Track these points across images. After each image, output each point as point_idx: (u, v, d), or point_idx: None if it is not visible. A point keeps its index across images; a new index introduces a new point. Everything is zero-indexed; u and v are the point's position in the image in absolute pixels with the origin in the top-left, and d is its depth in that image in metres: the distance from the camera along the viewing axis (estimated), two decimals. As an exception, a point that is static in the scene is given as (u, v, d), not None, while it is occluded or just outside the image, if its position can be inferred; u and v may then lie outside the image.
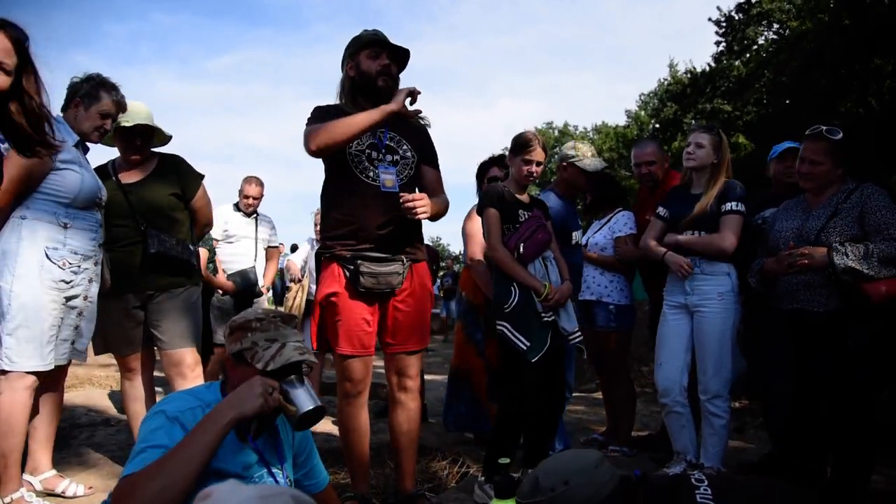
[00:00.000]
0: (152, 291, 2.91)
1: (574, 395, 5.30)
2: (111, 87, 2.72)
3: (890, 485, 2.98)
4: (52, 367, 2.51)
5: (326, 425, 4.23)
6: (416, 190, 2.59)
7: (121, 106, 2.76)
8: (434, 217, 2.59)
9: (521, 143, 2.84)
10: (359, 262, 2.42)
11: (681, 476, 1.53)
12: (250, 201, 4.78)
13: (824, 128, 2.54)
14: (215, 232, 4.50)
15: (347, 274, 2.44)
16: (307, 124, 2.50)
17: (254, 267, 4.72)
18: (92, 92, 2.67)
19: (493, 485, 2.29)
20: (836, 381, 2.44)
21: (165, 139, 3.09)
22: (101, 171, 2.89)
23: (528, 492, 1.55)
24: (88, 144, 2.73)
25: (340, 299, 2.47)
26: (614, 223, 3.71)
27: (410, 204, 2.37)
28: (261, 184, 4.84)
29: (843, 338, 2.41)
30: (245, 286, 4.63)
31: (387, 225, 2.46)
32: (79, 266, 2.57)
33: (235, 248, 4.75)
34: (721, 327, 2.88)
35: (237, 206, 4.82)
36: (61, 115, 2.67)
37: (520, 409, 2.70)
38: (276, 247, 5.04)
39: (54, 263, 2.48)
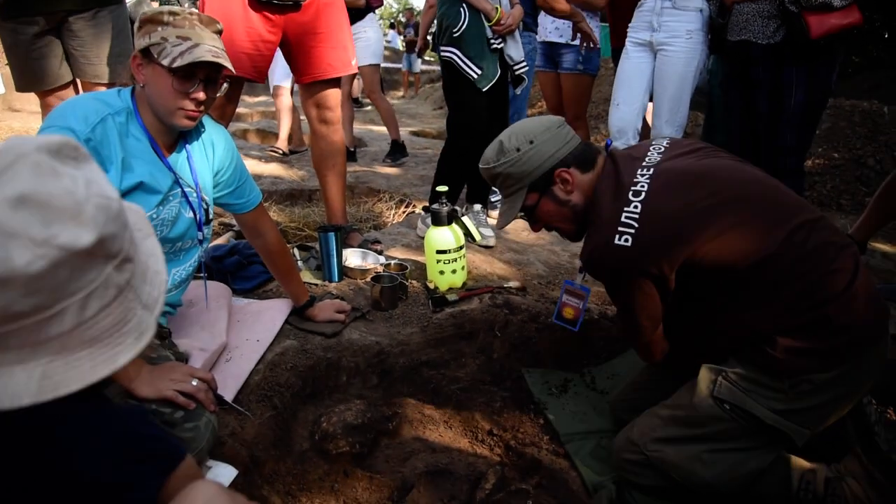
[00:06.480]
0: (65, 12, 2.51)
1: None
2: None
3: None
4: None
5: (278, 169, 4.17)
6: None
7: None
8: None
9: None
10: None
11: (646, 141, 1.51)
12: None
13: None
14: None
15: None
16: None
17: None
18: None
19: (430, 213, 2.30)
20: (771, 116, 2.46)
21: None
22: None
23: (492, 156, 1.45)
24: None
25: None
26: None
27: None
28: None
29: (779, 73, 2.39)
30: None
31: None
32: None
33: None
34: (684, 69, 2.71)
35: None
36: None
37: (465, 141, 2.60)
38: None
39: None
